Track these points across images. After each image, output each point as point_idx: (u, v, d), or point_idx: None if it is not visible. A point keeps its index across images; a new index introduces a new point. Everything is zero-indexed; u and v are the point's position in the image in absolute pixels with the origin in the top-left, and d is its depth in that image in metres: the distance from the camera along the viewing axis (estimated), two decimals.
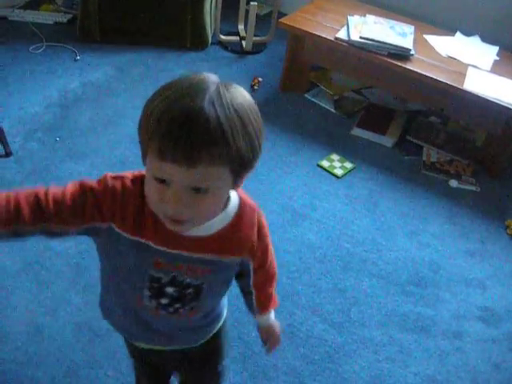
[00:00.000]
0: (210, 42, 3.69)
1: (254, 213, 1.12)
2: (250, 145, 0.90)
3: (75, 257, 2.28)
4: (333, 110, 3.19)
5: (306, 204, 2.58)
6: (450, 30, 3.04)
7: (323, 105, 3.22)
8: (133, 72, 3.42)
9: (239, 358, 1.96)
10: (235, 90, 0.91)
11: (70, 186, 0.99)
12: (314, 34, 2.91)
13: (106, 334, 2.01)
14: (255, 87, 3.31)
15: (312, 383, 1.92)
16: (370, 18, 2.94)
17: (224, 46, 3.71)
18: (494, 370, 2.04)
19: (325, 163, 2.80)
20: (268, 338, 1.44)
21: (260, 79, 3.36)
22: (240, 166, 0.92)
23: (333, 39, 2.85)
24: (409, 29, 2.88)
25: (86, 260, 2.27)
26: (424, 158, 2.89)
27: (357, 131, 3.01)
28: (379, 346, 2.05)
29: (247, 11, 3.60)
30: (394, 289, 2.25)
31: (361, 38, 2.77)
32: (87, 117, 3.02)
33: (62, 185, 0.99)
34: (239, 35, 3.73)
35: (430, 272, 2.34)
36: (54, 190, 0.98)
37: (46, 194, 0.97)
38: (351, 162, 2.82)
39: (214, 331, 1.37)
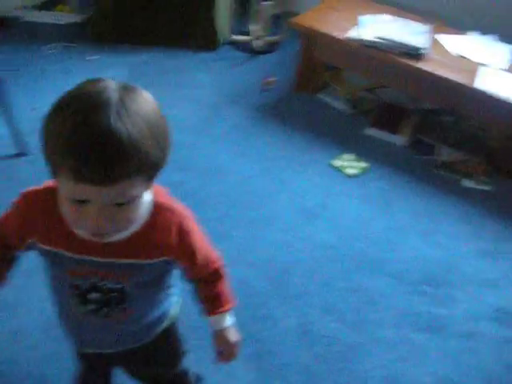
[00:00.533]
0: (221, 41, 3.69)
1: (172, 216, 1.09)
2: (160, 149, 0.89)
3: None
4: (346, 109, 3.18)
5: (319, 203, 2.58)
6: (463, 29, 3.02)
7: (336, 104, 3.21)
8: (145, 72, 3.43)
9: (252, 356, 1.96)
10: (138, 97, 0.89)
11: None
12: (326, 34, 2.91)
13: None
14: (268, 87, 3.31)
15: (325, 382, 1.91)
16: (382, 17, 2.94)
17: (236, 45, 3.71)
18: (507, 371, 2.02)
19: (337, 163, 2.79)
20: (220, 346, 1.35)
21: (273, 79, 3.36)
22: (154, 170, 0.91)
23: (344, 39, 2.85)
24: (421, 28, 2.87)
25: None
26: (436, 157, 2.88)
27: (370, 130, 3.01)
28: (393, 346, 2.04)
29: (259, 11, 3.61)
30: (407, 288, 2.24)
31: (373, 37, 2.76)
32: None
33: None
34: (251, 35, 3.73)
35: (442, 271, 2.33)
36: None
37: None
38: (364, 161, 2.81)
39: (159, 330, 1.34)
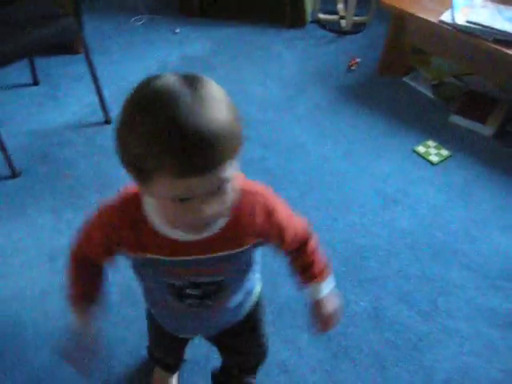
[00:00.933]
0: (308, 20, 3.67)
1: (255, 198, 1.09)
2: (240, 128, 0.90)
3: None
4: (431, 95, 3.11)
5: (400, 189, 2.55)
6: None
7: (421, 89, 3.15)
8: (230, 47, 3.46)
9: (323, 336, 1.97)
10: (207, 83, 0.89)
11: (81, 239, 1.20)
12: (417, 16, 2.83)
13: None
14: (352, 68, 3.28)
15: (393, 368, 1.90)
16: (477, 1, 2.83)
17: (322, 25, 3.68)
18: None
19: (421, 149, 2.74)
20: (316, 317, 1.32)
21: (358, 60, 3.33)
22: (239, 150, 0.90)
23: (437, 22, 2.76)
24: None
25: None
26: None
27: (455, 118, 2.93)
28: (464, 339, 2.00)
29: None
30: (484, 282, 2.19)
31: (466, 21, 2.67)
32: None
33: None
34: (338, 14, 3.70)
35: None
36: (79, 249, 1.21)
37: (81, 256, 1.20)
38: (448, 149, 2.74)
39: (248, 309, 1.37)
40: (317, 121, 2.92)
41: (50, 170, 2.57)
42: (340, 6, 3.74)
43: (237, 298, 1.26)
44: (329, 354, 1.93)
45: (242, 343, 1.52)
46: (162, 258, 1.06)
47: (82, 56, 2.70)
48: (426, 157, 2.70)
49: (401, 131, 2.87)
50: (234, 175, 0.92)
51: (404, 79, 3.22)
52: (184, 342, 1.64)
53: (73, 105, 2.96)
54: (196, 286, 1.13)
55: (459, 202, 2.50)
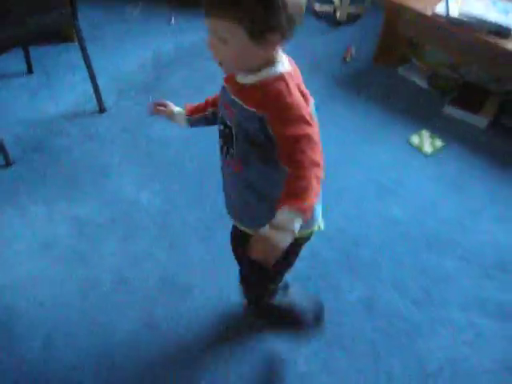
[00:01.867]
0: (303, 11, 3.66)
1: (274, 84, 1.22)
2: (262, 10, 1.10)
3: (160, 214, 2.36)
4: (425, 86, 3.12)
5: (394, 179, 2.55)
6: None
7: (416, 80, 3.15)
8: None
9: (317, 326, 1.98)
10: None
11: None
12: (411, 8, 2.84)
13: (189, 290, 2.08)
14: (347, 58, 3.28)
15: (387, 357, 1.91)
16: None
17: (318, 15, 3.68)
18: None
19: (415, 139, 2.75)
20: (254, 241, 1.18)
21: (353, 51, 3.32)
22: (252, 22, 1.12)
23: (430, 14, 2.77)
24: (511, 6, 2.76)
25: (170, 218, 2.35)
26: None
27: (449, 109, 2.94)
28: (458, 329, 2.01)
29: None
30: (477, 272, 2.20)
31: (460, 13, 2.68)
32: (179, 79, 3.09)
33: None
34: (334, 5, 3.69)
35: None
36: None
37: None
38: (442, 140, 2.75)
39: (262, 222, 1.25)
40: None
41: (44, 159, 2.56)
42: None
43: (253, 186, 1.39)
44: (323, 343, 1.94)
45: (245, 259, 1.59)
46: (224, 86, 1.36)
47: (76, 45, 2.69)
48: (420, 147, 2.71)
49: (395, 121, 2.87)
50: (237, 42, 1.16)
51: (398, 70, 3.22)
52: None
53: (67, 94, 2.94)
54: (222, 122, 1.36)
55: (453, 193, 2.51)
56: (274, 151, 1.24)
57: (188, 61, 3.23)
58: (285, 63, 1.29)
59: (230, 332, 1.97)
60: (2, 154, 2.51)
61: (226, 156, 1.40)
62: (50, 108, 2.85)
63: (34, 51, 3.09)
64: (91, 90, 2.79)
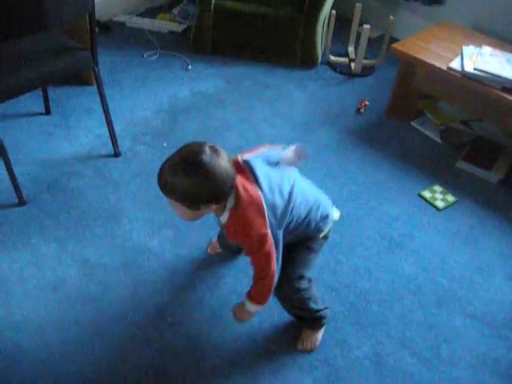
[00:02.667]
0: (319, 61, 3.72)
1: (237, 221, 1.68)
2: (201, 190, 1.54)
3: (172, 260, 2.36)
4: (438, 140, 3.13)
5: (404, 233, 2.54)
6: None
7: (429, 134, 3.17)
8: (241, 85, 3.49)
9: (323, 380, 1.96)
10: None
11: None
12: (427, 62, 2.87)
13: (195, 339, 2.08)
14: (361, 110, 3.30)
15: None
16: (486, 49, 2.87)
17: (333, 66, 3.72)
18: None
19: (426, 194, 2.75)
20: (236, 309, 1.94)
21: (367, 103, 3.35)
22: (187, 202, 1.59)
23: (446, 69, 2.80)
24: None
25: (182, 264, 2.35)
26: None
27: (462, 164, 2.94)
28: None
29: (359, 33, 3.61)
30: (488, 331, 2.17)
31: (475, 69, 2.71)
32: (195, 125, 3.12)
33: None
34: (349, 57, 3.74)
35: None
36: None
37: None
38: (454, 195, 2.75)
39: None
40: (324, 161, 2.93)
41: (57, 200, 2.58)
42: (350, 49, 3.78)
43: None
44: None
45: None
46: None
47: (94, 88, 2.73)
48: (431, 202, 2.71)
49: (407, 175, 2.87)
50: (177, 208, 1.64)
51: (412, 123, 3.25)
52: None
53: (83, 136, 2.98)
54: None
55: (464, 249, 2.50)
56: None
57: (203, 107, 3.27)
58: (231, 201, 1.67)
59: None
60: (16, 193, 2.53)
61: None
62: (66, 150, 2.88)
63: (53, 92, 3.15)
64: (107, 134, 2.82)
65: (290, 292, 1.90)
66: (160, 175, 1.55)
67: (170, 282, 2.27)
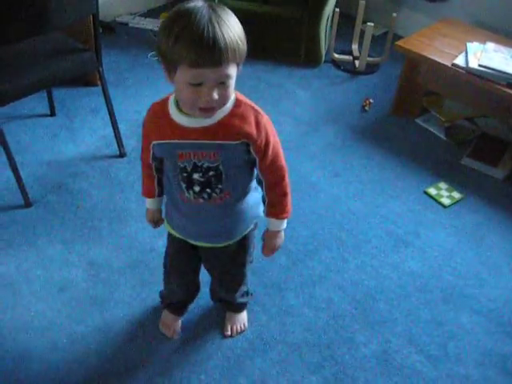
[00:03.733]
0: (323, 59, 3.71)
1: (250, 109, 1.41)
2: (244, 46, 1.26)
3: None
4: (443, 137, 3.13)
5: (410, 231, 2.54)
6: None
7: (434, 131, 3.16)
8: (245, 84, 3.48)
9: (331, 378, 1.96)
10: (224, 11, 1.24)
11: None
12: (431, 59, 2.87)
13: (202, 339, 2.08)
14: (366, 108, 3.30)
15: None
16: (490, 45, 2.86)
17: (337, 64, 3.72)
18: None
19: (432, 191, 2.75)
20: (266, 241, 1.69)
21: (371, 100, 3.35)
22: (241, 59, 1.28)
23: (450, 65, 2.80)
24: None
25: None
26: None
27: (467, 161, 2.94)
28: None
29: (362, 31, 3.60)
30: (496, 328, 2.16)
31: (479, 65, 2.70)
32: None
33: None
34: (353, 55, 3.74)
35: None
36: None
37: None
38: (459, 192, 2.74)
39: (245, 233, 1.70)
40: (329, 160, 2.93)
41: (63, 201, 2.59)
42: (354, 47, 3.78)
43: (237, 204, 1.57)
44: None
45: (226, 264, 1.83)
46: (174, 141, 1.42)
47: (98, 89, 2.73)
48: (437, 199, 2.70)
49: (413, 173, 2.87)
50: (234, 77, 1.29)
51: (417, 120, 3.24)
52: (194, 267, 1.93)
53: (88, 137, 2.98)
54: (199, 170, 1.44)
55: (470, 246, 2.49)
56: (253, 164, 1.51)
57: None
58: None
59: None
60: (22, 194, 2.53)
61: (204, 197, 1.52)
62: (71, 151, 2.88)
63: (57, 94, 3.15)
64: (112, 134, 2.82)
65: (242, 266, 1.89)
66: (212, 39, 1.18)
67: None
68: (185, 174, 1.46)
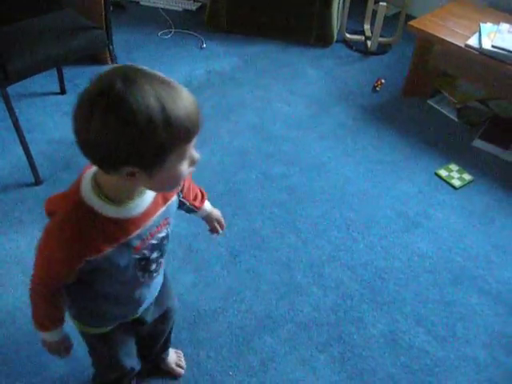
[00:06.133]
0: (335, 39, 3.69)
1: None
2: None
3: (188, 238, 2.37)
4: (455, 118, 3.11)
5: (420, 212, 2.54)
6: None
7: (445, 112, 3.14)
8: (257, 64, 3.48)
9: (338, 357, 1.97)
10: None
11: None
12: (444, 40, 2.84)
13: (211, 316, 2.09)
14: (377, 88, 3.28)
15: None
16: (504, 26, 2.83)
17: (349, 44, 3.70)
18: None
19: (443, 172, 2.73)
20: (211, 222, 1.64)
21: (383, 81, 3.33)
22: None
23: (463, 46, 2.77)
24: None
25: (197, 242, 2.36)
26: None
27: (478, 143, 2.92)
28: (482, 367, 1.98)
29: (374, 11, 3.57)
30: (504, 309, 2.16)
31: (493, 46, 2.67)
32: (210, 104, 3.11)
33: None
34: (365, 35, 3.71)
35: None
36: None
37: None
38: (470, 173, 2.73)
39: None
40: (340, 140, 2.93)
41: (73, 179, 2.58)
42: (366, 27, 3.75)
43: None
44: (344, 376, 1.92)
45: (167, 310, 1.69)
46: (132, 235, 1.16)
47: (108, 67, 2.71)
48: (448, 180, 2.69)
49: (423, 154, 2.86)
50: None
51: (428, 101, 3.22)
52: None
53: None
54: (156, 247, 1.26)
55: (480, 228, 2.49)
56: None
57: (218, 86, 3.26)
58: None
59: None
60: (32, 172, 2.54)
61: (158, 267, 1.35)
62: None
63: (68, 72, 3.15)
64: None
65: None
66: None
67: (186, 260, 2.30)
68: (143, 263, 1.25)
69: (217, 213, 1.65)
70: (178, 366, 1.96)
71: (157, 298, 1.54)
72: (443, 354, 2.01)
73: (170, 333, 1.84)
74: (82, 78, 3.24)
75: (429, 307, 2.15)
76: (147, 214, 1.17)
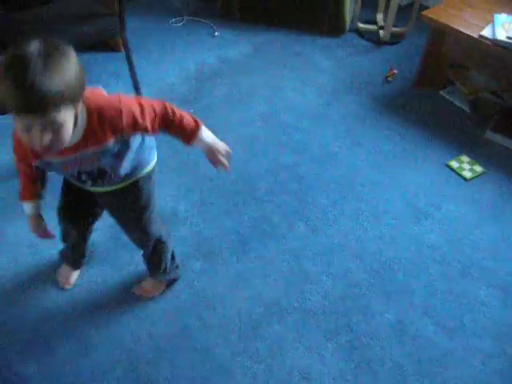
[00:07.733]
0: (347, 28, 3.68)
1: (102, 113, 1.41)
2: (76, 86, 1.24)
3: (198, 225, 2.38)
4: (467, 110, 3.09)
5: (431, 203, 2.53)
6: None
7: (458, 104, 3.13)
8: (269, 52, 3.48)
9: (346, 346, 1.98)
10: (56, 54, 1.25)
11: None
12: (457, 30, 2.82)
13: (220, 302, 2.11)
14: (389, 78, 3.27)
15: (415, 383, 1.90)
16: None
17: (361, 34, 3.69)
18: None
19: (454, 164, 2.73)
20: (212, 156, 1.65)
21: (395, 71, 3.32)
22: (75, 100, 1.26)
23: (477, 37, 2.75)
24: None
25: (207, 229, 2.37)
26: None
27: (491, 135, 2.90)
28: (489, 358, 1.98)
29: (388, 0, 3.55)
30: None
31: (507, 37, 2.65)
32: (221, 92, 3.12)
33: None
34: (377, 24, 3.69)
35: None
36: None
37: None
38: (481, 165, 2.72)
39: (135, 178, 1.71)
40: (351, 129, 2.92)
41: None
42: (379, 17, 3.73)
43: (126, 168, 1.62)
44: (351, 365, 1.93)
45: (126, 213, 1.84)
46: (52, 159, 1.48)
47: (121, 54, 2.73)
48: (459, 172, 2.68)
49: (435, 145, 2.85)
50: (67, 120, 1.25)
51: (441, 92, 3.21)
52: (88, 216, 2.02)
53: None
54: (84, 172, 1.56)
55: (490, 220, 2.48)
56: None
57: (230, 74, 3.26)
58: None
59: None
60: None
61: (98, 184, 1.63)
62: None
63: (80, 58, 3.13)
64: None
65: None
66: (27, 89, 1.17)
67: (196, 246, 2.31)
68: (73, 178, 1.61)
69: (215, 145, 1.63)
70: (144, 291, 2.13)
71: (111, 211, 1.84)
72: (451, 346, 2.01)
73: (154, 263, 2.03)
74: (94, 64, 3.25)
75: (437, 298, 2.15)
76: (69, 149, 1.42)
